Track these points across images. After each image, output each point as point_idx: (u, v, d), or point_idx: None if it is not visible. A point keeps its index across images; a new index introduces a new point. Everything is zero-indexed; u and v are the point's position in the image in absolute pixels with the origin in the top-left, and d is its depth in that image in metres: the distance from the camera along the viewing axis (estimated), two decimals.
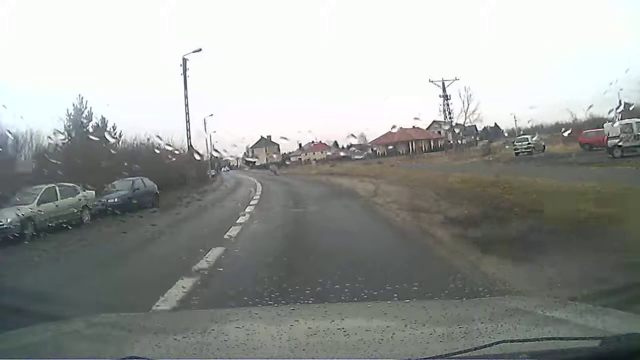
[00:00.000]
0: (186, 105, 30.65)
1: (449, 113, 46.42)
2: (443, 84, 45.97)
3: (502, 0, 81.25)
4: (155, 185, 20.34)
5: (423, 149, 54.48)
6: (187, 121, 30.96)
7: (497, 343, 1.48)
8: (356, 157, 53.19)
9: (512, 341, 1.52)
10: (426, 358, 1.46)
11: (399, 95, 73.43)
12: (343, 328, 1.96)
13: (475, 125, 47.99)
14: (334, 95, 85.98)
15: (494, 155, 36.04)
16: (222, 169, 57.83)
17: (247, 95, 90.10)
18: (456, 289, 4.67)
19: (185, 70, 30.09)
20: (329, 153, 61.17)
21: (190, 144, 30.38)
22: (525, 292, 4.56)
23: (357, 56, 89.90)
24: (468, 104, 44.76)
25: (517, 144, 34.23)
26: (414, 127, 52.41)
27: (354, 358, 1.67)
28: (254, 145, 63.99)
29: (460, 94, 45.28)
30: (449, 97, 46.17)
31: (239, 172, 55.03)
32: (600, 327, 1.83)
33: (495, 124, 53.49)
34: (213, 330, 2.22)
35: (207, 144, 43.37)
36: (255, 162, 63.79)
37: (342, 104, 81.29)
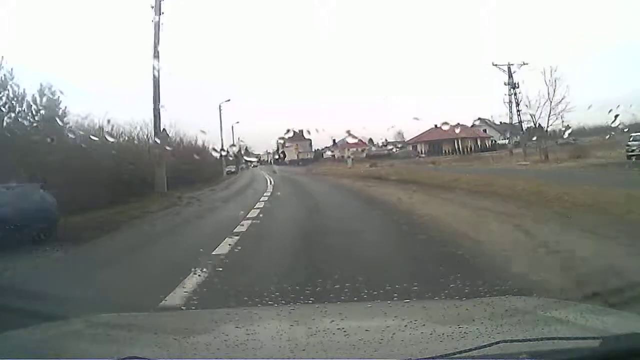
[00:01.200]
0: (156, 56, 17.91)
1: (517, 104, 37.46)
2: (509, 68, 36.86)
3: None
4: (52, 202, 10.35)
5: (470, 148, 48.50)
6: (155, 88, 17.89)
7: (497, 343, 1.48)
8: (398, 155, 47.59)
9: (512, 341, 1.52)
10: (426, 358, 1.46)
11: (405, 95, 72.92)
12: (343, 328, 1.96)
13: (521, 124, 41.17)
14: (360, 93, 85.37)
15: (592, 159, 26.56)
16: (251, 165, 54.80)
17: (280, 91, 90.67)
18: (456, 289, 4.65)
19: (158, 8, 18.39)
20: (364, 149, 56.12)
21: (159, 130, 18.90)
22: (525, 292, 4.54)
23: (381, 54, 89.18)
24: (554, 91, 32.59)
25: (632, 143, 26.27)
26: (458, 124, 47.37)
27: (354, 358, 1.67)
28: (285, 139, 61.00)
29: (544, 76, 32.62)
30: (517, 85, 37.00)
31: (263, 169, 50.01)
32: (600, 327, 1.83)
33: (539, 124, 50.05)
34: (213, 330, 2.23)
35: (221, 137, 37.40)
36: (281, 157, 59.36)
37: (371, 102, 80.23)
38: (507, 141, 44.86)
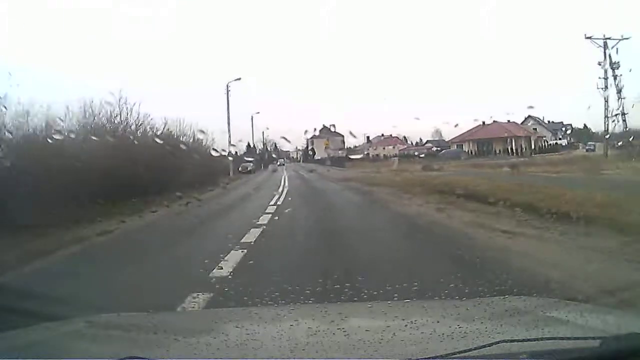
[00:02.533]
0: None
1: (619, 90, 29.40)
2: (605, 43, 29.77)
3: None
4: None
5: (522, 148, 42.28)
6: None
7: (497, 343, 1.48)
8: (445, 155, 41.22)
9: (512, 341, 1.52)
10: (426, 358, 1.46)
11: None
12: (343, 328, 1.96)
13: (561, 122, 37.63)
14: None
15: None
16: (277, 163, 50.44)
17: (311, 90, 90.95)
18: (456, 289, 4.65)
19: None
20: (401, 148, 51.01)
21: None
22: (525, 292, 4.53)
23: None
24: None
25: None
26: (509, 121, 41.30)
27: (354, 358, 1.67)
28: (314, 135, 54.35)
29: None
30: (617, 65, 29.51)
31: (289, 167, 42.65)
32: (600, 327, 1.84)
33: (585, 125, 41.51)
34: (213, 330, 2.23)
35: (229, 128, 30.94)
36: (310, 155, 55.26)
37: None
38: (561, 141, 39.76)
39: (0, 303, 4.22)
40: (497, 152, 41.94)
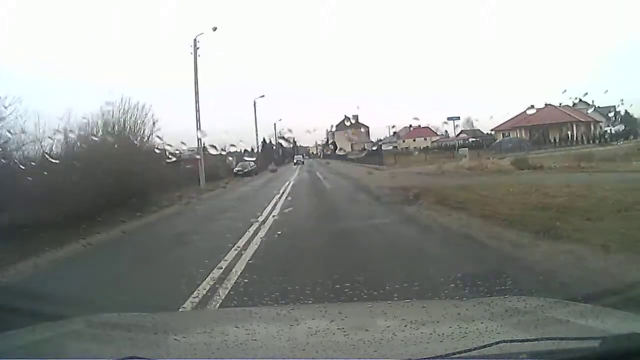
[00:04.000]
0: None
1: None
2: None
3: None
4: None
5: (583, 137, 35.94)
6: None
7: (497, 343, 1.48)
8: (502, 145, 33.90)
9: (512, 341, 1.52)
10: (426, 358, 1.46)
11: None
12: (343, 328, 1.96)
13: (614, 106, 31.20)
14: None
15: None
16: (294, 160, 45.16)
17: (331, 85, 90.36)
18: (456, 289, 4.65)
19: None
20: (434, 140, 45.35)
21: None
22: (525, 292, 4.53)
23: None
24: None
25: None
26: (560, 104, 35.25)
27: (354, 358, 1.67)
28: (335, 127, 49.49)
29: None
30: None
31: (303, 168, 36.27)
32: (600, 327, 1.83)
33: (626, 110, 36.50)
34: (213, 330, 2.23)
35: (197, 105, 22.57)
36: (331, 150, 49.00)
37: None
38: (617, 127, 35.03)
39: (0, 303, 4.22)
40: (554, 140, 35.62)
